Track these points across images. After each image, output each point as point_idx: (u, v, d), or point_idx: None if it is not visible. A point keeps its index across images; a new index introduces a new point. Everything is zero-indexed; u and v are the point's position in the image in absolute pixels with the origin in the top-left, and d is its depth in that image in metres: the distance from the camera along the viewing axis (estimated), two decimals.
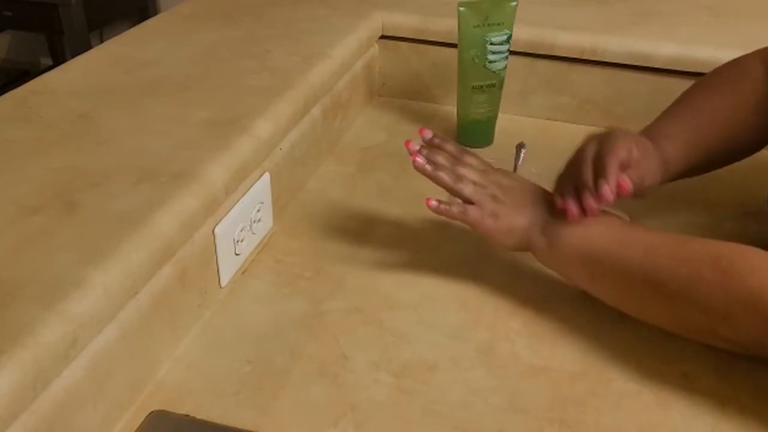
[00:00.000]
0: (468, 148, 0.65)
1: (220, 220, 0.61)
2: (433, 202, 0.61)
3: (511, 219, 0.60)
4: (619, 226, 0.58)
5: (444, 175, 0.61)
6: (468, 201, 0.60)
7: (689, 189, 0.71)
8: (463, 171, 0.62)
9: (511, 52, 0.85)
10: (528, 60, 0.94)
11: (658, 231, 0.57)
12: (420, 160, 0.62)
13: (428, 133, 0.65)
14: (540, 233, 0.60)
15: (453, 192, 0.61)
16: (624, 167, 0.58)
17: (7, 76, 2.49)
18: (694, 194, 0.76)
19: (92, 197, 0.54)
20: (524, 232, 0.60)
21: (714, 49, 0.87)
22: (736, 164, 0.70)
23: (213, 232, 0.60)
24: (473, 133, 0.90)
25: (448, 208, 0.60)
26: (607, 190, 0.55)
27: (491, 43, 0.82)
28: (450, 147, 0.64)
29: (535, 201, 0.61)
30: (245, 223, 0.65)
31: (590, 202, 0.56)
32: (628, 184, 0.56)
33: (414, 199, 0.78)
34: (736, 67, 0.70)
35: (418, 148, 0.63)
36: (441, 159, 0.62)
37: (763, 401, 0.54)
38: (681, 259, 0.52)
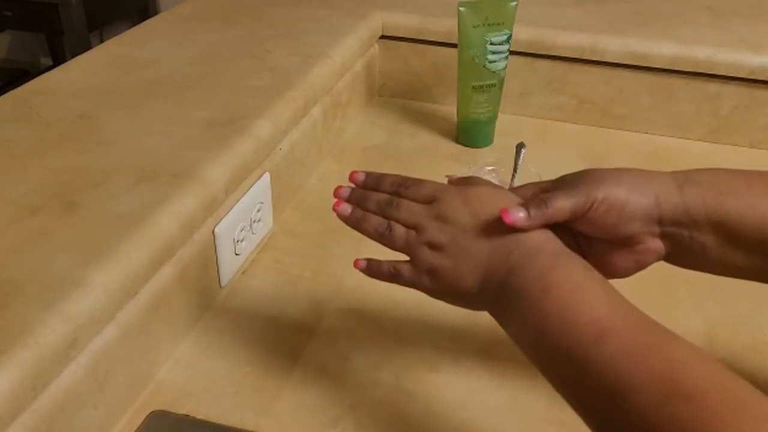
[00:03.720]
0: (415, 177, 0.49)
1: (220, 220, 0.61)
2: (361, 263, 0.49)
3: (454, 277, 0.44)
4: (573, 292, 0.39)
5: (369, 226, 0.48)
6: (407, 253, 0.47)
7: None
8: (398, 213, 0.47)
9: (511, 52, 0.85)
10: (528, 60, 0.94)
11: (632, 356, 0.36)
12: (342, 209, 0.49)
13: (360, 176, 0.50)
14: (494, 295, 0.42)
15: (385, 245, 0.47)
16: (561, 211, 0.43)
17: (7, 76, 2.49)
18: None
19: (92, 197, 0.54)
20: (473, 297, 0.44)
21: (714, 49, 0.87)
22: None
23: (213, 232, 0.60)
24: (473, 133, 0.90)
25: (377, 268, 0.48)
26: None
27: (491, 43, 0.82)
28: (387, 185, 0.49)
29: (497, 239, 0.43)
30: (245, 223, 0.65)
31: None
32: (510, 216, 0.42)
33: None
34: None
35: (347, 195, 0.50)
36: (372, 203, 0.48)
37: None
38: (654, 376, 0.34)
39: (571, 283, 0.40)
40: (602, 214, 0.43)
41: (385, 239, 0.47)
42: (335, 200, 0.50)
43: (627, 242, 0.44)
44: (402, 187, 0.48)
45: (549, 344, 0.38)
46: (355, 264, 0.49)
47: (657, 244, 0.44)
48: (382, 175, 0.50)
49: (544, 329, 0.39)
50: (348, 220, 0.49)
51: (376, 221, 0.47)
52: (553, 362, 0.39)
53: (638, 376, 0.34)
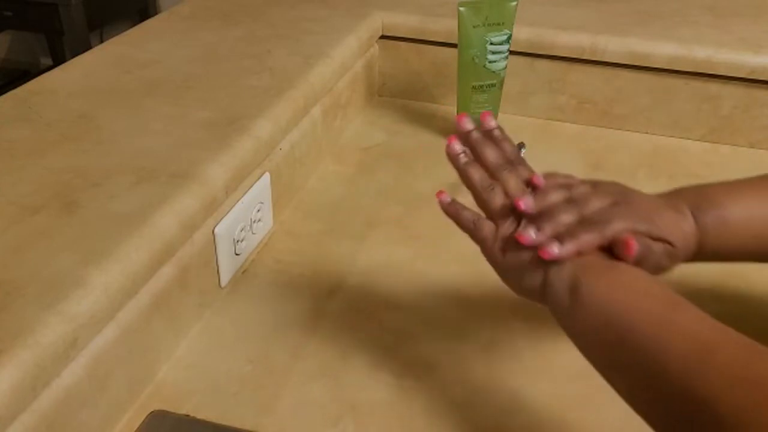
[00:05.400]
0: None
1: (220, 220, 0.61)
2: (446, 197, 0.48)
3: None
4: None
5: (475, 173, 0.47)
6: (494, 217, 0.46)
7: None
8: (508, 178, 0.46)
9: (511, 52, 0.85)
10: (528, 60, 0.94)
11: (712, 322, 0.38)
12: (456, 146, 0.48)
13: (491, 122, 0.50)
14: (567, 289, 0.42)
15: (479, 199, 0.47)
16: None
17: (7, 76, 2.49)
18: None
19: (92, 197, 0.54)
20: (536, 285, 0.44)
21: (714, 49, 0.87)
22: None
23: (213, 232, 0.60)
24: None
25: (460, 211, 0.47)
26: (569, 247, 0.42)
27: (491, 43, 0.82)
28: (507, 146, 0.49)
29: None
30: (245, 223, 0.65)
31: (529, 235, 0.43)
32: (632, 246, 0.42)
33: (414, 199, 0.78)
34: None
35: (470, 128, 0.49)
36: (489, 154, 0.48)
37: None
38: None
39: (644, 273, 0.42)
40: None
41: (486, 193, 0.46)
42: (458, 129, 0.49)
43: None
44: (517, 160, 0.48)
45: (621, 318, 0.39)
46: (439, 195, 0.48)
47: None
48: (507, 137, 0.50)
49: (616, 302, 0.39)
50: (455, 159, 0.48)
51: (482, 173, 0.47)
52: (622, 338, 0.39)
53: (720, 335, 0.36)
